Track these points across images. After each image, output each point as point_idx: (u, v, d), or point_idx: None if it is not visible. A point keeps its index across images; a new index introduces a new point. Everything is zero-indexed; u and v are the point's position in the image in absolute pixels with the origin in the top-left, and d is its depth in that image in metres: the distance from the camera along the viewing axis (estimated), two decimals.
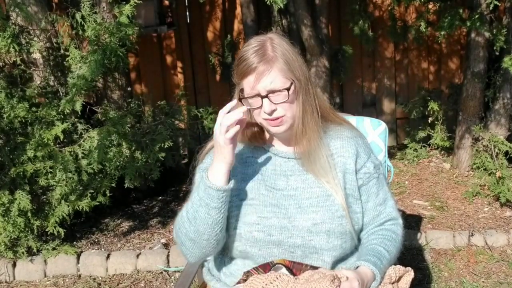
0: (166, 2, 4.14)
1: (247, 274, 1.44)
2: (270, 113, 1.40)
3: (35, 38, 2.92)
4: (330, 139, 1.53)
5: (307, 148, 1.47)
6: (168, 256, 2.97)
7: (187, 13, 4.25)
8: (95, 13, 2.86)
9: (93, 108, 3.15)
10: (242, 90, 1.43)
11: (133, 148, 3.03)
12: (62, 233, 2.93)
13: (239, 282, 1.45)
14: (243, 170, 1.53)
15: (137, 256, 2.98)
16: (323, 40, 3.83)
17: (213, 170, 1.42)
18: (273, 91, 1.39)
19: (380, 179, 1.57)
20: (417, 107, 4.10)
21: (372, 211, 1.55)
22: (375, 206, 1.55)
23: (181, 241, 1.49)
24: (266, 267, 1.44)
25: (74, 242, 3.16)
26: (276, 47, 1.41)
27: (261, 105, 1.40)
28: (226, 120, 1.38)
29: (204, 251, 1.48)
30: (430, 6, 3.63)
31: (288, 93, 1.40)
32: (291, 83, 1.40)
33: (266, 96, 1.39)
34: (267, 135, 1.56)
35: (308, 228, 1.44)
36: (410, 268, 1.47)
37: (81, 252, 3.03)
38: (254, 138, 1.53)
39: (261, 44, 1.41)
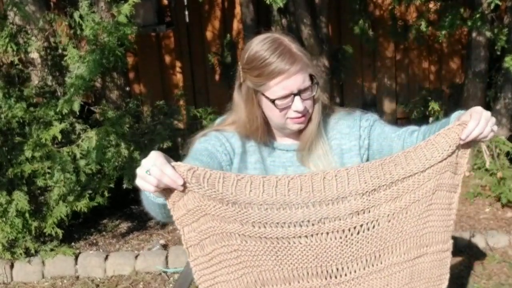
0: (165, 1, 4.12)
1: None
2: (303, 110, 1.39)
3: (33, 38, 2.90)
4: (324, 125, 1.53)
5: (309, 139, 1.48)
6: (167, 257, 2.95)
7: (186, 13, 4.23)
8: (93, 12, 2.85)
9: (91, 108, 3.14)
10: (259, 92, 1.41)
11: (131, 148, 3.01)
12: (60, 234, 2.91)
13: None
14: (246, 158, 1.52)
15: (136, 257, 2.96)
16: (323, 40, 3.81)
17: None
18: (305, 89, 1.39)
19: (381, 120, 1.55)
20: (417, 107, 4.07)
21: (396, 133, 1.48)
22: (394, 131, 1.49)
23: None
24: None
25: (72, 243, 3.14)
26: (294, 45, 1.40)
27: (291, 104, 1.39)
28: (166, 179, 1.17)
29: (168, 219, 1.38)
30: (431, 6, 3.61)
31: (315, 88, 1.41)
32: (314, 78, 1.41)
33: (299, 94, 1.38)
34: (269, 132, 1.54)
35: None
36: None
37: (79, 253, 3.01)
38: (263, 136, 1.51)
39: (279, 43, 1.39)
